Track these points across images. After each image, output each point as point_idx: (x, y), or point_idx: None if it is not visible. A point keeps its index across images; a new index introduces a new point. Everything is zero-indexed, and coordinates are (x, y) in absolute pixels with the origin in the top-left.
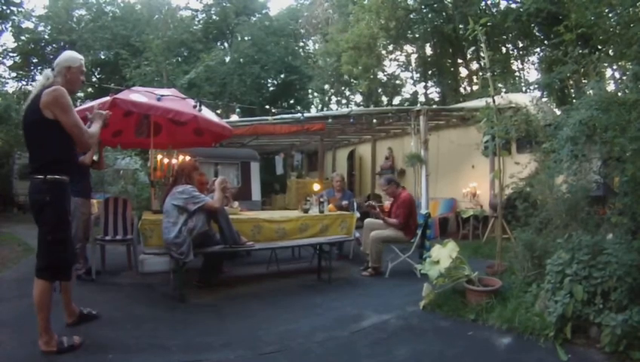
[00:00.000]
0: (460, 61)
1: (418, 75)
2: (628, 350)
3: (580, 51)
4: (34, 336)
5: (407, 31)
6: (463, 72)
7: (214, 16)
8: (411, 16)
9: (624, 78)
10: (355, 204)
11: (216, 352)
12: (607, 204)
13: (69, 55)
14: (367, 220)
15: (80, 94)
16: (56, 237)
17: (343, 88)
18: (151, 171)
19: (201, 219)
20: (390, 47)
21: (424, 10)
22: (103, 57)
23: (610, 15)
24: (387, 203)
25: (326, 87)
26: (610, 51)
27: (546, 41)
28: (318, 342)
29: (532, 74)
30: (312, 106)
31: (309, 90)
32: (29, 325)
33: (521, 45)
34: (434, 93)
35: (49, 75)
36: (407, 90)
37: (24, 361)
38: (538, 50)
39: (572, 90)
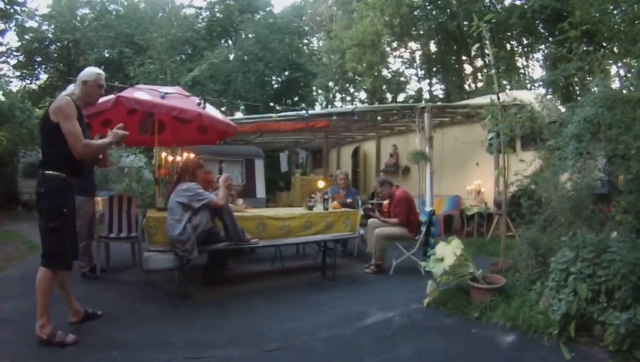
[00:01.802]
0: (464, 58)
1: (422, 72)
2: (631, 349)
3: (585, 48)
4: None
5: (411, 28)
6: (468, 68)
7: (218, 14)
8: (415, 13)
9: (629, 75)
10: (359, 202)
11: (221, 349)
12: (611, 202)
13: (87, 70)
14: (372, 219)
15: None
16: (49, 226)
17: (347, 85)
18: (155, 169)
19: (205, 217)
20: (394, 44)
21: (428, 7)
22: (106, 56)
23: (614, 12)
24: (386, 202)
25: (330, 84)
26: (615, 48)
27: (550, 38)
28: (321, 340)
29: (537, 71)
30: (317, 103)
31: (314, 88)
32: (34, 323)
33: (525, 42)
34: (438, 90)
35: (72, 88)
36: (412, 87)
37: (29, 358)
38: (543, 47)
39: (577, 88)
